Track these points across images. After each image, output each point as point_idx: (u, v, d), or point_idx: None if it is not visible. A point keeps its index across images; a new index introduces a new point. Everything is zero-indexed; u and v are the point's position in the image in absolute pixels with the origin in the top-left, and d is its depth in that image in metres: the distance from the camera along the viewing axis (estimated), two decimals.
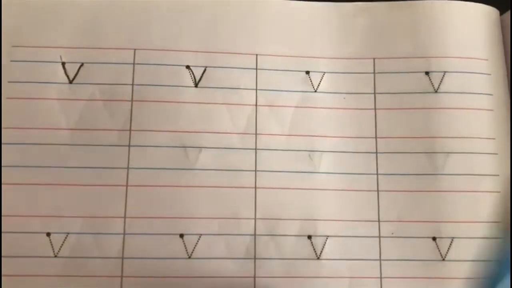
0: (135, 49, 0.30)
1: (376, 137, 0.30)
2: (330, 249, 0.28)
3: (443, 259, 0.28)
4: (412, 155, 0.29)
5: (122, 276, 0.27)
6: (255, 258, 0.28)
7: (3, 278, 0.27)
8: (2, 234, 0.27)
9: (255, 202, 0.28)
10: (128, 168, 0.28)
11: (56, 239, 0.27)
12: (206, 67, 0.30)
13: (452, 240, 0.29)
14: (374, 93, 0.30)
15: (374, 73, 0.30)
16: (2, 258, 0.27)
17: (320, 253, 0.28)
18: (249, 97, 0.30)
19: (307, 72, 0.30)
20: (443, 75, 0.30)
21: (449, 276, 0.28)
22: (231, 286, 0.27)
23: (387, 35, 0.31)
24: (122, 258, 0.27)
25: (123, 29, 0.30)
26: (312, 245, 0.28)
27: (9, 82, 0.29)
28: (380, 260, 0.28)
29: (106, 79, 0.29)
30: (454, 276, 0.28)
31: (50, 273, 0.27)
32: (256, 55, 0.30)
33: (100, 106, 0.29)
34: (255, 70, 0.30)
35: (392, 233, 0.29)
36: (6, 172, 0.28)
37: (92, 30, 0.30)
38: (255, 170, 0.29)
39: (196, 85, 0.29)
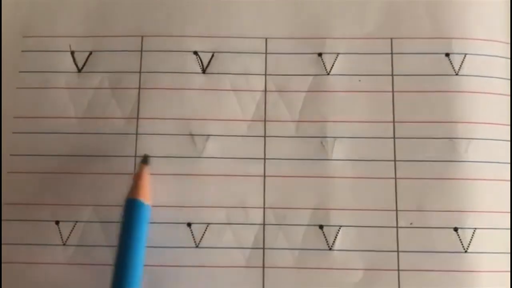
0: (142, 36, 0.29)
1: (394, 122, 0.28)
2: (343, 239, 0.27)
3: (465, 251, 0.27)
4: (432, 141, 0.28)
5: None
6: (264, 248, 0.27)
7: (12, 265, 0.27)
8: (12, 222, 0.27)
9: (264, 190, 0.28)
10: (135, 156, 0.28)
11: (65, 227, 0.27)
12: (214, 52, 0.29)
13: (475, 231, 0.27)
14: (392, 75, 0.28)
15: (391, 53, 0.29)
16: (12, 246, 0.27)
17: (333, 244, 0.27)
18: (258, 82, 0.29)
19: (319, 54, 0.29)
20: (464, 57, 0.28)
21: (472, 269, 0.26)
22: (239, 276, 0.27)
23: (405, 13, 0.29)
24: None
25: (130, 16, 0.29)
26: (324, 235, 0.27)
27: (20, 72, 0.29)
28: (397, 251, 0.27)
29: (114, 67, 0.29)
30: (476, 269, 0.26)
31: (58, 261, 0.27)
32: (266, 38, 0.29)
33: (108, 94, 0.29)
34: (264, 55, 0.29)
35: (411, 223, 0.27)
36: (16, 161, 0.28)
37: (100, 18, 0.29)
38: (264, 158, 0.28)
39: (203, 71, 0.29)
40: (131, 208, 0.25)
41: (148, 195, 0.25)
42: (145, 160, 0.26)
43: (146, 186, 0.26)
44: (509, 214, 0.27)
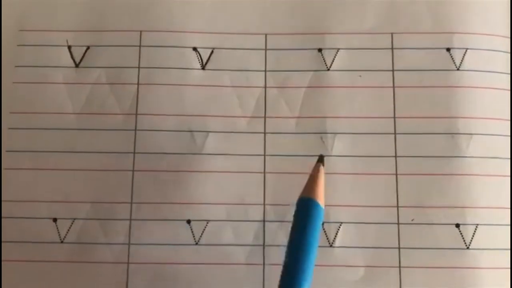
0: (141, 31, 0.29)
1: (394, 117, 0.28)
2: (344, 236, 0.27)
3: (467, 248, 0.26)
4: (433, 136, 0.27)
5: (128, 263, 0.27)
6: (264, 245, 0.27)
7: (9, 263, 0.27)
8: (9, 219, 0.27)
9: (264, 187, 0.27)
10: (134, 152, 0.28)
11: (63, 224, 0.27)
12: (214, 48, 0.29)
13: (477, 227, 0.26)
14: (393, 70, 0.28)
15: (392, 49, 0.28)
16: (9, 244, 0.27)
17: (333, 241, 0.27)
18: (258, 79, 0.28)
19: (319, 50, 0.28)
20: (465, 52, 0.28)
21: (474, 265, 0.26)
22: (239, 273, 0.26)
23: (406, 8, 0.29)
24: (129, 244, 0.27)
25: (128, 11, 0.29)
26: (325, 232, 0.27)
27: (16, 66, 0.28)
28: (399, 248, 0.27)
29: (112, 62, 0.29)
30: (479, 265, 0.26)
31: (56, 259, 0.27)
32: (265, 34, 0.29)
33: (106, 89, 0.28)
34: (264, 51, 0.29)
35: (412, 220, 0.27)
36: (12, 157, 0.28)
37: (98, 13, 0.29)
38: (264, 155, 0.28)
39: (203, 68, 0.28)
40: (306, 208, 0.23)
41: (323, 196, 0.24)
42: (321, 159, 0.25)
43: (321, 186, 0.24)
44: (509, 210, 0.27)
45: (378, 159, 0.27)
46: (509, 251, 0.26)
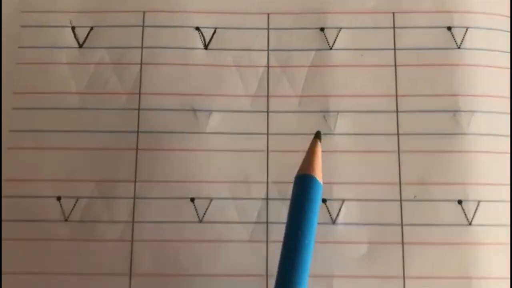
0: (144, 11, 0.29)
1: (396, 95, 0.28)
2: (347, 213, 0.27)
3: (470, 224, 0.27)
4: (435, 114, 0.28)
5: (132, 240, 0.27)
6: (267, 223, 0.27)
7: (14, 242, 0.27)
8: (13, 199, 0.27)
9: (267, 165, 0.27)
10: (138, 131, 0.28)
11: (67, 203, 0.27)
12: (216, 28, 0.29)
13: (479, 203, 0.27)
14: (394, 49, 0.28)
15: (394, 28, 0.29)
16: (14, 223, 0.27)
17: (336, 218, 0.27)
18: (261, 58, 0.28)
19: (322, 29, 0.29)
20: (466, 31, 0.28)
21: (476, 241, 0.26)
22: (242, 250, 0.27)
23: None
24: (133, 222, 0.27)
25: None
26: (327, 209, 0.27)
27: (19, 47, 0.29)
28: (401, 225, 0.27)
29: (115, 42, 0.29)
30: (481, 241, 0.26)
31: (60, 237, 0.27)
32: (268, 14, 0.29)
33: (109, 69, 0.28)
34: (266, 30, 0.29)
35: (415, 196, 0.27)
36: (16, 137, 0.28)
37: None
38: (267, 134, 0.28)
39: (206, 47, 0.29)
40: (304, 185, 0.23)
41: (320, 172, 0.23)
42: (318, 135, 0.24)
43: (319, 162, 0.23)
44: (509, 186, 0.27)
45: (380, 137, 0.28)
46: (509, 227, 0.27)
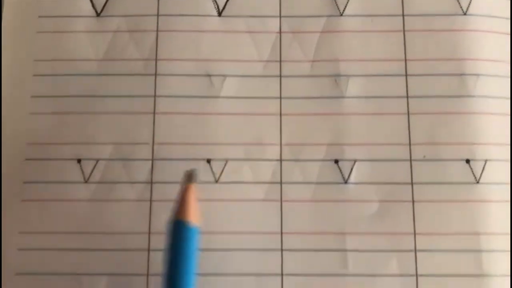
0: None
1: (405, 60, 0.29)
2: (358, 173, 0.28)
3: (477, 182, 0.27)
4: (443, 77, 0.29)
5: (151, 200, 0.28)
6: (281, 183, 0.28)
7: (36, 203, 0.28)
8: (35, 161, 0.28)
9: (281, 128, 0.28)
10: (155, 96, 0.29)
11: (87, 165, 0.28)
12: None
13: (486, 162, 0.28)
14: (403, 15, 0.29)
15: None
16: (36, 184, 0.28)
17: (348, 177, 0.28)
18: (273, 24, 0.29)
19: None
20: None
21: (484, 199, 0.27)
22: (257, 209, 0.27)
23: None
24: (151, 182, 0.28)
25: None
26: (340, 169, 0.28)
27: (39, 17, 0.29)
28: (411, 183, 0.28)
29: (132, 11, 0.29)
30: (488, 199, 0.27)
31: (80, 198, 0.28)
32: None
33: (126, 37, 0.29)
34: None
35: (424, 156, 0.28)
36: (38, 102, 0.29)
37: None
38: (280, 97, 0.29)
39: (219, 14, 0.29)
40: (180, 232, 0.23)
41: (197, 217, 0.23)
42: (190, 178, 0.24)
43: (194, 206, 0.23)
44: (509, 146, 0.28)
45: (390, 100, 0.28)
46: (509, 185, 0.28)
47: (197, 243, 0.23)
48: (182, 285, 0.22)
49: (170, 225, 0.23)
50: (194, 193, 0.23)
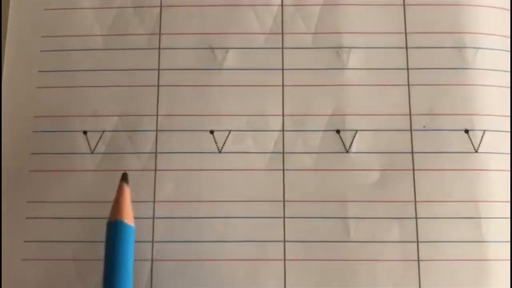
0: None
1: (405, 33, 0.29)
2: (360, 143, 0.28)
3: (476, 151, 0.28)
4: (443, 50, 0.29)
5: (155, 170, 0.28)
6: (283, 152, 0.28)
7: (43, 173, 0.28)
8: (43, 133, 0.29)
9: (283, 99, 0.29)
10: (159, 69, 0.29)
11: (93, 136, 0.29)
12: None
13: (484, 132, 0.28)
14: None
15: None
16: (44, 155, 0.28)
17: (349, 147, 0.28)
18: None
19: None
20: None
21: (482, 167, 0.28)
22: (260, 178, 0.28)
23: None
24: (156, 152, 0.28)
25: None
26: (341, 139, 0.28)
27: None
28: (412, 153, 0.28)
29: None
30: (486, 168, 0.28)
31: (87, 168, 0.28)
32: None
33: (130, 12, 0.30)
34: None
35: (424, 126, 0.28)
36: (45, 76, 0.29)
37: None
38: (282, 69, 0.29)
39: None
40: (118, 231, 0.24)
41: (131, 216, 0.25)
42: (124, 177, 0.25)
43: (128, 206, 0.25)
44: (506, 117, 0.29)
45: (391, 71, 0.29)
46: (505, 154, 0.28)
47: (132, 239, 0.24)
48: (120, 282, 0.23)
49: (107, 225, 0.24)
50: (128, 193, 0.25)
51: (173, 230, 0.27)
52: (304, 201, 0.28)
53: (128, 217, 0.24)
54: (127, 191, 0.25)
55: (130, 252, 0.24)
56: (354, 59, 0.29)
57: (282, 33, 0.29)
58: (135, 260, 0.26)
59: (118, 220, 0.24)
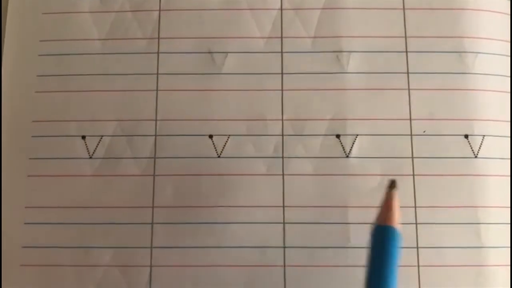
0: None
1: (405, 37, 0.29)
2: (360, 147, 0.28)
3: (475, 156, 0.28)
4: (442, 54, 0.29)
5: (154, 175, 0.28)
6: (283, 157, 0.28)
7: (42, 178, 0.28)
8: (42, 138, 0.28)
9: (282, 104, 0.29)
10: (157, 74, 0.29)
11: (91, 141, 0.28)
12: None
13: (484, 137, 0.28)
14: None
15: None
16: (42, 160, 0.28)
17: (349, 151, 0.28)
18: (274, 1, 0.30)
19: None
20: None
21: (481, 173, 0.28)
22: (260, 183, 0.28)
23: None
24: (155, 157, 0.28)
25: None
26: (341, 143, 0.28)
27: None
28: (412, 158, 0.28)
29: None
30: (486, 173, 0.28)
31: (86, 173, 0.28)
32: None
33: (129, 17, 0.30)
34: None
35: (424, 131, 0.28)
36: (43, 81, 0.29)
37: None
38: (282, 73, 0.29)
39: None
40: (387, 236, 0.24)
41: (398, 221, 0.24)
42: (393, 185, 0.24)
43: (397, 213, 0.24)
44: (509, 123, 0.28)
45: (391, 75, 0.29)
46: (505, 159, 0.28)
47: (398, 244, 0.24)
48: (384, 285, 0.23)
49: (374, 229, 0.24)
50: (397, 199, 0.24)
51: (172, 235, 0.27)
52: (304, 206, 0.27)
53: (396, 224, 0.24)
54: (396, 198, 0.24)
55: (397, 256, 0.24)
56: (354, 63, 0.29)
57: (282, 37, 0.29)
58: (132, 266, 0.26)
59: (387, 225, 0.24)
